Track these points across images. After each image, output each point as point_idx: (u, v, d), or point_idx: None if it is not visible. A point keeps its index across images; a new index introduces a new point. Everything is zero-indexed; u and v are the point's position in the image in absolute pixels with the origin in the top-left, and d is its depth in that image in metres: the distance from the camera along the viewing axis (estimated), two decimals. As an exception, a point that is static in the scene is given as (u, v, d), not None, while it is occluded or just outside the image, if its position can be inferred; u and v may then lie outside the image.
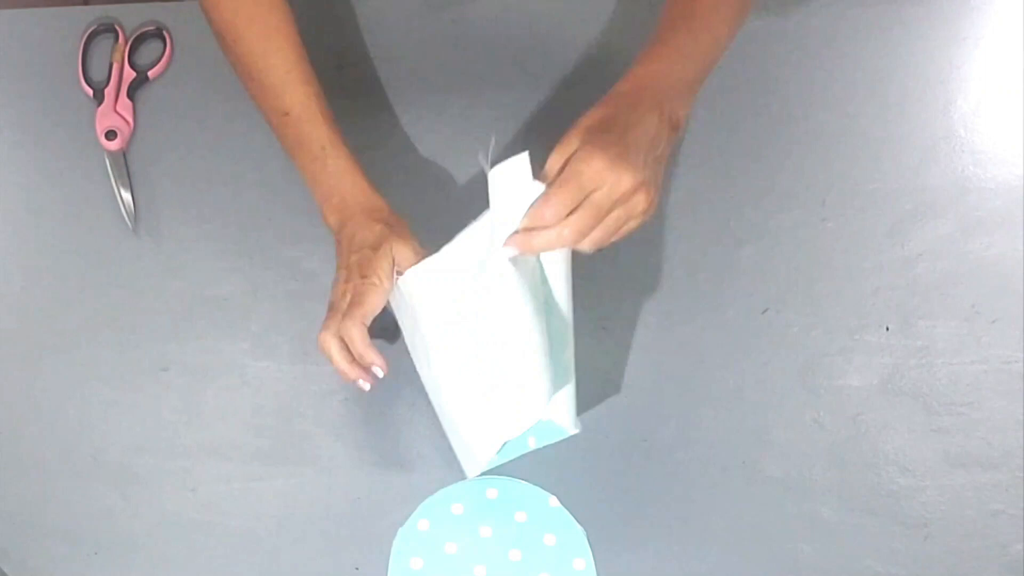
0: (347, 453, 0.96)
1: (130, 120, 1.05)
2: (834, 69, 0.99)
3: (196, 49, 1.06)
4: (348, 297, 0.83)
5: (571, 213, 0.74)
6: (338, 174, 0.87)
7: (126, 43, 1.06)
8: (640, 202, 0.76)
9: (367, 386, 0.84)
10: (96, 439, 0.98)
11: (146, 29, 1.07)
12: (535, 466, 0.94)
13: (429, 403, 0.96)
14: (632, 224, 0.77)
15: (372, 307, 0.83)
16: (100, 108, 1.04)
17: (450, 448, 0.92)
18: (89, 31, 1.07)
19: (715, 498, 0.92)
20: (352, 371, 0.84)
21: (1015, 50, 0.97)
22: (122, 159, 1.04)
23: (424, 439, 0.96)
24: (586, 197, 0.74)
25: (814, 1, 1.00)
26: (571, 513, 0.93)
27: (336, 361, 0.83)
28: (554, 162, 0.75)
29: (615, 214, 0.76)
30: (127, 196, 1.03)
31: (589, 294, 0.94)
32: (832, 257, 0.96)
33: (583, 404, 0.95)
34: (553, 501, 0.93)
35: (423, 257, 0.83)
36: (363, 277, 0.83)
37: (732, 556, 0.91)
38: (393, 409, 0.97)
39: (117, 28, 1.06)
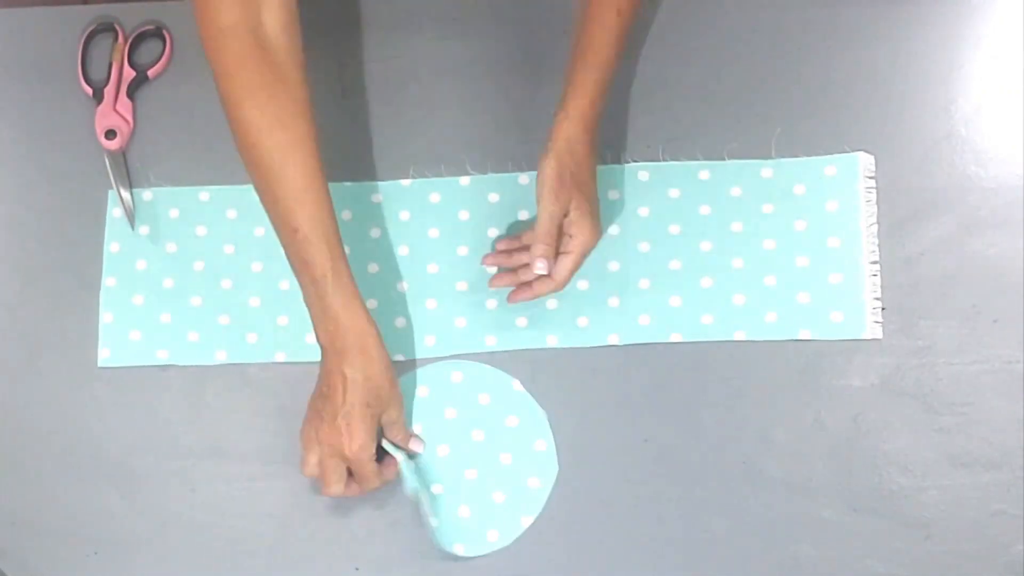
0: (347, 453, 0.96)
1: (130, 120, 1.05)
2: (833, 68, 0.98)
3: (196, 49, 1.05)
4: (339, 463, 0.89)
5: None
6: (337, 304, 0.88)
7: (126, 42, 1.06)
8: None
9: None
10: (96, 439, 0.98)
11: (146, 28, 1.07)
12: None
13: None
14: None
15: (370, 486, 0.91)
16: (100, 107, 1.04)
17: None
18: (89, 30, 1.07)
19: (715, 498, 0.92)
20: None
21: (1016, 50, 0.97)
22: (122, 159, 1.04)
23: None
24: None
25: (814, 1, 1.00)
26: (567, 520, 0.93)
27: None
28: (550, 235, 0.89)
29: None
30: (127, 196, 1.02)
31: (589, 294, 0.94)
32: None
33: (584, 404, 0.95)
34: (517, 385, 0.95)
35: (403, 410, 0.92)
36: (353, 439, 0.88)
37: (732, 556, 0.91)
38: (393, 409, 0.97)
39: (117, 27, 1.06)
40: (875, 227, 0.94)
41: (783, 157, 0.96)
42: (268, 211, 0.90)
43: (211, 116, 1.04)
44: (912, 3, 0.99)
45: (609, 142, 0.98)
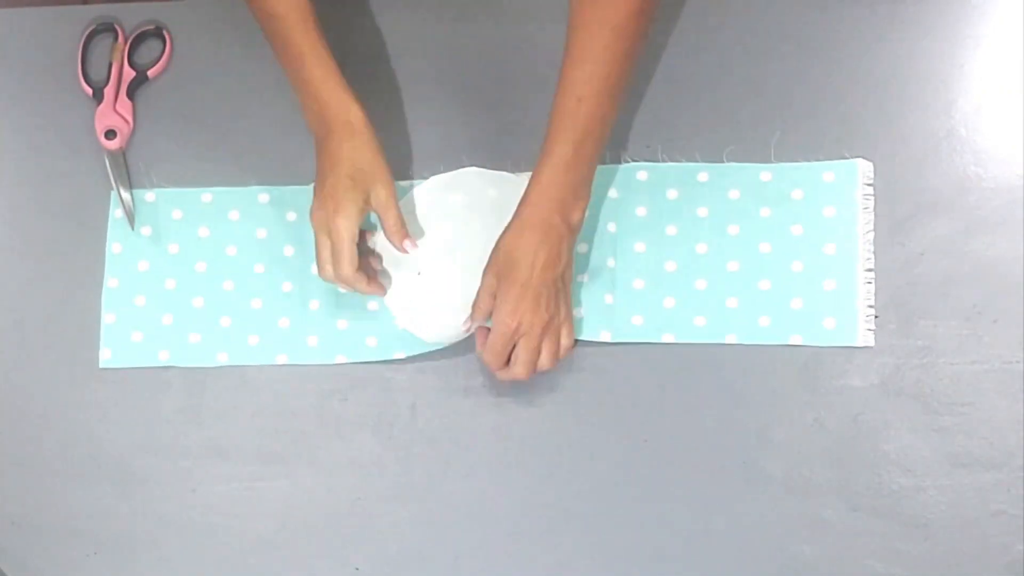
0: (347, 453, 0.96)
1: (130, 120, 1.05)
2: (834, 68, 0.98)
3: (196, 49, 1.06)
4: (326, 240, 0.90)
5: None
6: (317, 78, 0.91)
7: (125, 42, 1.06)
8: (540, 326, 0.89)
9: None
10: (96, 439, 0.98)
11: (145, 28, 1.06)
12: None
13: (428, 403, 0.96)
14: (564, 350, 0.92)
15: (345, 271, 0.90)
16: (100, 107, 1.04)
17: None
18: (89, 30, 1.07)
19: (715, 498, 0.92)
20: (374, 288, 0.93)
21: (1016, 50, 0.97)
22: (122, 159, 1.04)
23: (424, 439, 0.96)
24: (517, 336, 0.88)
25: (814, 1, 1.00)
26: (567, 520, 0.93)
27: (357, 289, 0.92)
28: (483, 303, 0.89)
29: (546, 343, 0.90)
30: (127, 196, 1.02)
31: (589, 294, 0.94)
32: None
33: (584, 404, 0.95)
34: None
35: (395, 196, 0.92)
36: (335, 212, 0.89)
37: (732, 556, 0.91)
38: (393, 409, 0.97)
39: (117, 27, 1.06)
40: (871, 234, 0.94)
41: (782, 161, 0.96)
42: (249, 4, 0.93)
43: (211, 116, 1.04)
44: (912, 3, 0.99)
45: (610, 141, 0.98)
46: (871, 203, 0.94)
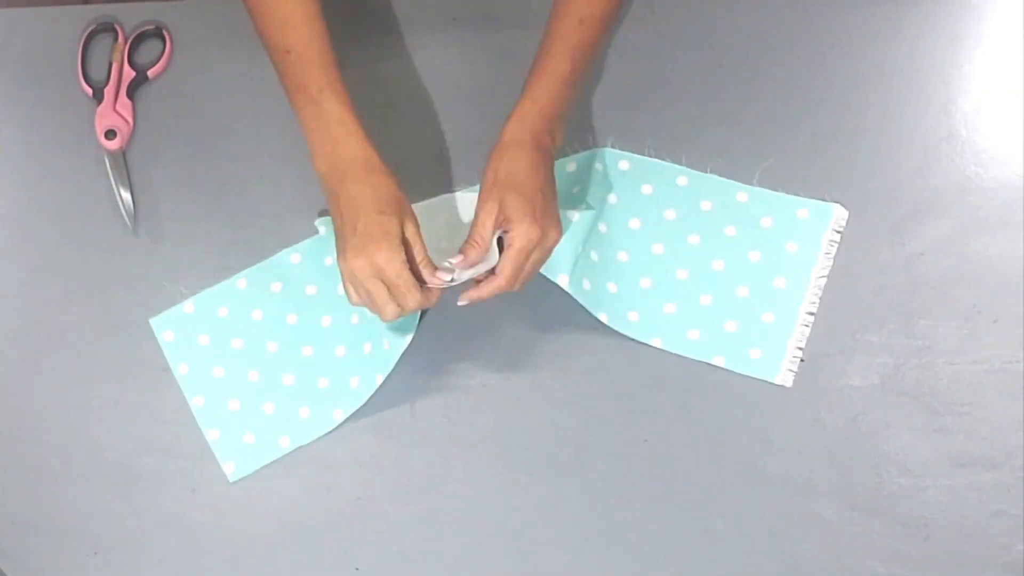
0: (347, 453, 0.96)
1: (130, 119, 1.05)
2: (834, 69, 0.99)
3: (196, 49, 1.06)
4: (379, 285, 0.85)
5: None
6: (332, 122, 0.87)
7: (126, 42, 1.06)
8: (555, 240, 0.88)
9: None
10: (96, 439, 0.98)
11: (145, 28, 1.07)
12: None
13: (428, 403, 0.96)
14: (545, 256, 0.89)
15: (414, 300, 0.86)
16: (100, 107, 1.04)
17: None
18: (89, 30, 1.07)
19: (715, 498, 0.92)
20: (436, 294, 0.88)
21: (1016, 50, 0.97)
22: (122, 159, 1.04)
23: (424, 439, 0.96)
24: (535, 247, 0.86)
25: (814, 1, 1.00)
26: (567, 520, 0.93)
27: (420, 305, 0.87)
28: (485, 229, 0.86)
29: (540, 258, 0.88)
30: (127, 196, 1.02)
31: (589, 294, 0.94)
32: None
33: (584, 404, 0.95)
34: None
35: (419, 230, 0.87)
36: (376, 252, 0.84)
37: (732, 556, 0.91)
38: (393, 409, 0.97)
39: (117, 27, 1.06)
40: (823, 280, 0.94)
41: (765, 185, 0.96)
42: (263, 40, 0.90)
43: (211, 116, 1.04)
44: (912, 3, 0.99)
45: (599, 127, 0.98)
46: (834, 249, 0.95)
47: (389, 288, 0.85)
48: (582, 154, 0.99)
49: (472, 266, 0.87)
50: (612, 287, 0.95)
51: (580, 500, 0.93)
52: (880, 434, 0.92)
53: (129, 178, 1.03)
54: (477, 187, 0.89)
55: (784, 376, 0.93)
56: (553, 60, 0.89)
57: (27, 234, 1.03)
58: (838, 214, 0.95)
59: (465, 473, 0.95)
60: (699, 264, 0.96)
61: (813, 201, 0.96)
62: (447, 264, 0.87)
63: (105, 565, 0.96)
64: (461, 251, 0.87)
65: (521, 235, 0.85)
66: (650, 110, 1.00)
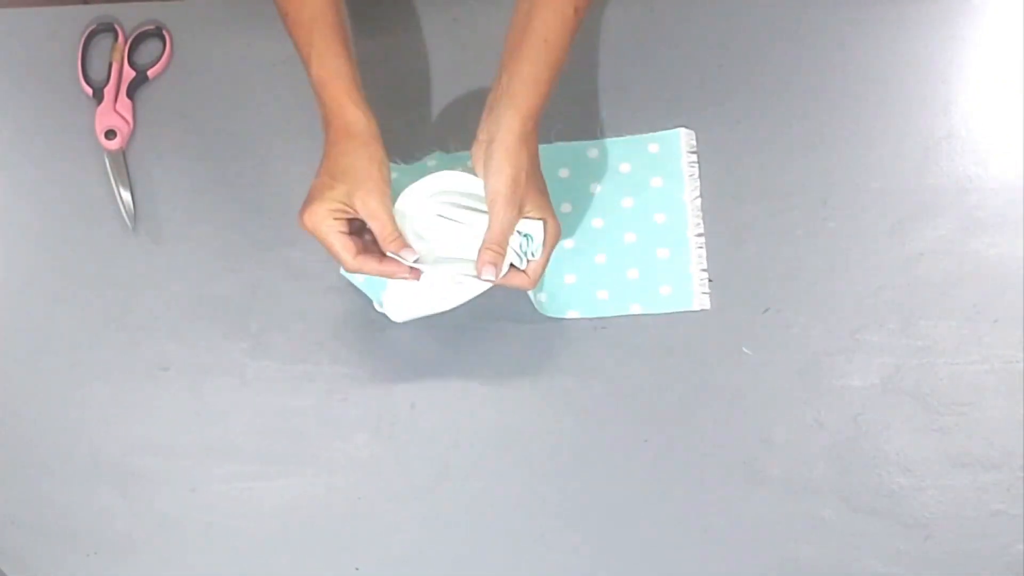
0: (347, 453, 0.96)
1: (129, 120, 1.05)
2: (834, 69, 0.99)
3: (196, 49, 1.06)
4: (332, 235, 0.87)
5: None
6: (324, 77, 0.89)
7: (125, 43, 1.06)
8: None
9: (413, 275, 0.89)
10: (96, 439, 0.98)
11: (145, 28, 1.07)
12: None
13: (429, 403, 0.96)
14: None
15: (348, 265, 0.88)
16: (100, 107, 1.04)
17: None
18: (89, 30, 1.07)
19: (715, 498, 0.92)
20: (399, 270, 0.88)
21: (1015, 50, 0.97)
22: (122, 159, 1.04)
23: (424, 439, 0.96)
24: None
25: (814, 1, 1.00)
26: (567, 520, 0.93)
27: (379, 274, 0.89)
28: (500, 234, 0.86)
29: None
30: (127, 196, 1.03)
31: (589, 294, 0.94)
32: (833, 257, 0.96)
33: (584, 404, 0.95)
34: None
35: (387, 205, 0.88)
36: (304, 209, 0.87)
37: (732, 556, 0.91)
38: (393, 408, 0.97)
39: (117, 27, 1.06)
40: (699, 200, 0.96)
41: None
42: (281, 12, 0.92)
43: (211, 116, 1.04)
44: (912, 3, 0.99)
45: (600, 127, 0.99)
46: (696, 170, 0.97)
47: (324, 247, 0.88)
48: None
49: (491, 264, 0.87)
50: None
51: (580, 500, 0.93)
52: (880, 434, 0.92)
53: (129, 178, 1.03)
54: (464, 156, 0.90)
55: (700, 300, 0.95)
56: (554, 47, 0.88)
57: (27, 234, 1.03)
58: (686, 136, 0.98)
59: (465, 473, 0.95)
60: (581, 229, 0.97)
61: (658, 133, 0.98)
62: (483, 279, 0.87)
63: (104, 565, 0.96)
64: (490, 262, 0.87)
65: (552, 234, 0.88)
66: (650, 109, 1.00)
